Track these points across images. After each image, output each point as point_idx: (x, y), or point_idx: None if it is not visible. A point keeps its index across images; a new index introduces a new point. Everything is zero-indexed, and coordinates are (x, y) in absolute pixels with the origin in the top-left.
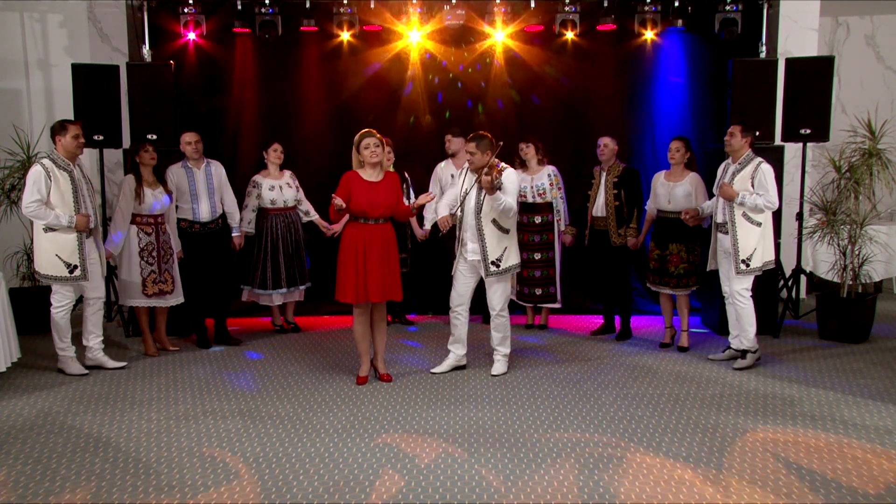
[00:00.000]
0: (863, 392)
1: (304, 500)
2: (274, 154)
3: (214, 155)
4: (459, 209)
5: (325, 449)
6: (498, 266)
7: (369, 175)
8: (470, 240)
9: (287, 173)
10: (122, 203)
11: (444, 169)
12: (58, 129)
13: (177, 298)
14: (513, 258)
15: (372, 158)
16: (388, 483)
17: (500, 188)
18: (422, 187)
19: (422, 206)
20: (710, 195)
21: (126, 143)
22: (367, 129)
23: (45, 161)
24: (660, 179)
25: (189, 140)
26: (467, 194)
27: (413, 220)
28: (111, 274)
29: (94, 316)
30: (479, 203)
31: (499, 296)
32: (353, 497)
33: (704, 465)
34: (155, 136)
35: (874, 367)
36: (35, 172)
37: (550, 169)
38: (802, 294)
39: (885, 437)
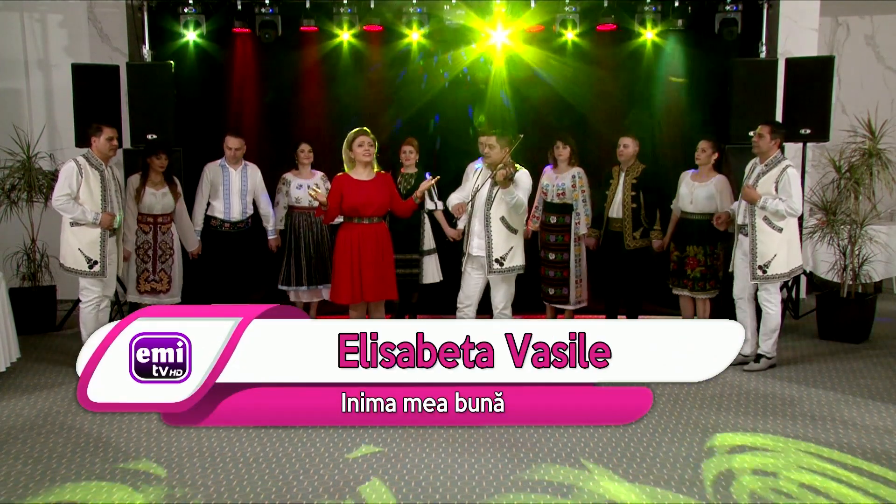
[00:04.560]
0: (863, 392)
1: (303, 500)
2: (302, 154)
3: (213, 155)
4: (470, 204)
5: (325, 449)
6: (501, 264)
7: (360, 174)
8: (477, 235)
9: (318, 174)
10: (130, 202)
11: (477, 168)
12: (94, 130)
13: (172, 298)
14: (517, 259)
15: (364, 157)
16: (388, 483)
17: (512, 180)
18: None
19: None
20: (737, 197)
21: (126, 143)
22: (360, 128)
23: (80, 159)
24: (686, 179)
25: (230, 146)
26: (479, 189)
27: (443, 221)
28: None
29: (102, 314)
30: (490, 199)
31: (502, 295)
32: (354, 497)
33: (704, 466)
34: (155, 136)
35: (874, 367)
36: (68, 168)
37: (577, 170)
38: (802, 294)
39: (885, 437)
